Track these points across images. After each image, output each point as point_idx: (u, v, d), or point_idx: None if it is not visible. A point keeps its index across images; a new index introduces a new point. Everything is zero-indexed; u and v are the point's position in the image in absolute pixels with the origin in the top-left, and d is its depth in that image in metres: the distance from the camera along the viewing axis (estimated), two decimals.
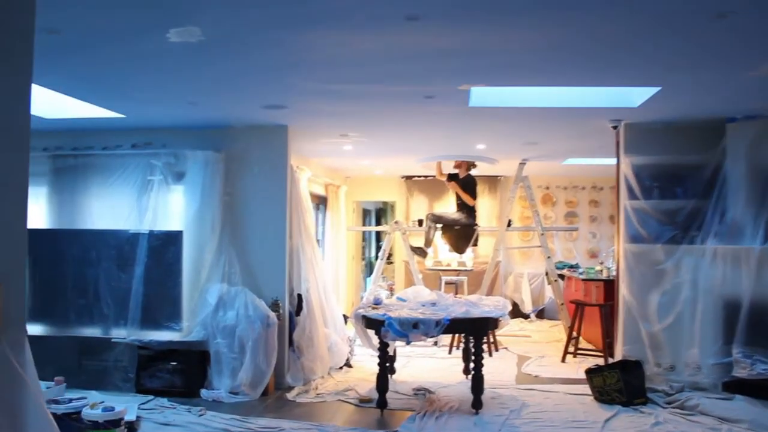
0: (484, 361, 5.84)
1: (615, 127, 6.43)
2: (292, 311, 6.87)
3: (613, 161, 9.58)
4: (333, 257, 10.42)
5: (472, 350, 5.90)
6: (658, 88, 5.07)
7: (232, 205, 6.77)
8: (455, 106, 5.64)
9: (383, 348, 5.77)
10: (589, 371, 6.13)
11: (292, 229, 6.99)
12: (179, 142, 6.78)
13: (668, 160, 6.28)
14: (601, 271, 9.00)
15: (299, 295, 6.93)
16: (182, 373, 6.37)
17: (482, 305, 6.25)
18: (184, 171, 6.71)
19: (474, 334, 5.82)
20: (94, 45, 4.07)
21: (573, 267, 10.45)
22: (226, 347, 6.28)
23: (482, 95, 5.48)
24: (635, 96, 5.59)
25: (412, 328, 5.48)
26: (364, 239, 15.39)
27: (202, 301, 6.46)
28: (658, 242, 6.20)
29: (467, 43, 3.91)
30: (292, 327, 6.86)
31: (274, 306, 6.55)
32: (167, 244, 6.55)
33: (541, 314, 11.93)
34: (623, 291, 6.37)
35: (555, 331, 10.52)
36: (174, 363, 6.38)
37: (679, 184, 6.27)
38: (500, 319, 5.95)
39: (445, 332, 5.63)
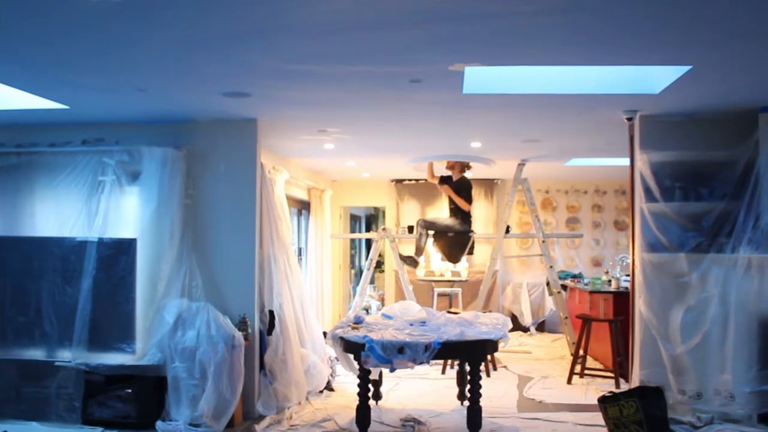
0: (481, 383, 5.05)
1: (630, 119, 5.63)
2: (263, 330, 6.06)
3: (619, 162, 8.89)
4: (317, 267, 9.62)
5: (468, 375, 5.11)
6: (683, 72, 4.27)
7: (195, 208, 5.95)
8: (446, 92, 4.84)
9: (364, 376, 4.96)
10: (603, 400, 5.31)
11: (263, 236, 6.18)
12: (135, 138, 5.96)
13: (691, 156, 5.49)
14: (609, 281, 8.21)
15: (271, 312, 6.11)
16: (135, 401, 5.55)
17: (479, 324, 5.44)
18: (139, 170, 5.88)
19: (470, 359, 5.01)
20: None
21: (576, 277, 9.66)
22: (186, 372, 5.46)
23: (477, 80, 4.69)
24: (655, 81, 4.80)
25: (398, 353, 4.68)
26: (353, 247, 14.63)
27: (159, 319, 5.63)
28: (681, 251, 5.40)
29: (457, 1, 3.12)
30: (263, 348, 6.04)
31: (242, 324, 5.74)
32: (119, 253, 5.75)
33: (541, 327, 11.14)
34: (640, 306, 5.55)
35: (557, 346, 9.73)
36: (126, 390, 5.58)
37: (704, 184, 5.46)
38: (500, 340, 5.14)
39: (436, 357, 4.82)
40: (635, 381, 5.66)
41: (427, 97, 5.03)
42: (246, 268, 5.92)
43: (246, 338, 5.69)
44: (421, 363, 4.74)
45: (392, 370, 4.87)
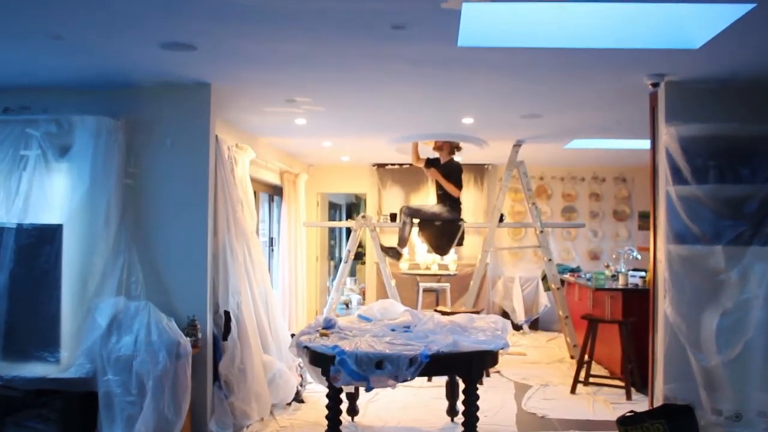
0: (478, 404, 4.15)
1: (655, 85, 4.73)
2: (218, 334, 5.12)
3: (621, 145, 8.03)
4: (290, 259, 8.68)
5: (461, 391, 4.21)
6: (739, 16, 3.37)
7: (136, 190, 5.00)
8: (437, 45, 3.91)
9: (334, 395, 4.03)
10: (623, 421, 4.42)
11: (218, 223, 5.24)
12: (66, 106, 4.99)
13: (729, 129, 4.56)
14: (614, 277, 7.34)
15: (227, 313, 5.17)
16: (60, 421, 4.61)
17: (474, 330, 4.54)
18: (69, 143, 4.92)
19: (465, 375, 4.09)
20: None
21: (574, 271, 8.80)
22: (120, 386, 4.49)
23: (475, 29, 3.77)
24: (695, 34, 3.89)
25: (375, 369, 3.76)
26: (332, 237, 13.72)
27: (89, 323, 4.67)
28: (716, 243, 4.47)
29: None
30: (217, 356, 5.11)
31: (191, 328, 4.81)
32: (41, 242, 4.76)
33: (534, 325, 10.28)
34: (666, 308, 4.66)
35: (554, 347, 8.87)
36: (48, 408, 4.62)
37: (745, 163, 4.55)
38: (500, 351, 4.23)
39: (423, 373, 3.90)
40: (658, 397, 4.78)
41: (413, 53, 4.10)
42: (197, 261, 4.99)
43: (195, 345, 4.77)
44: (404, 380, 3.82)
45: (369, 389, 3.95)
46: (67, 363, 4.68)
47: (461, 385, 4.36)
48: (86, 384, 4.57)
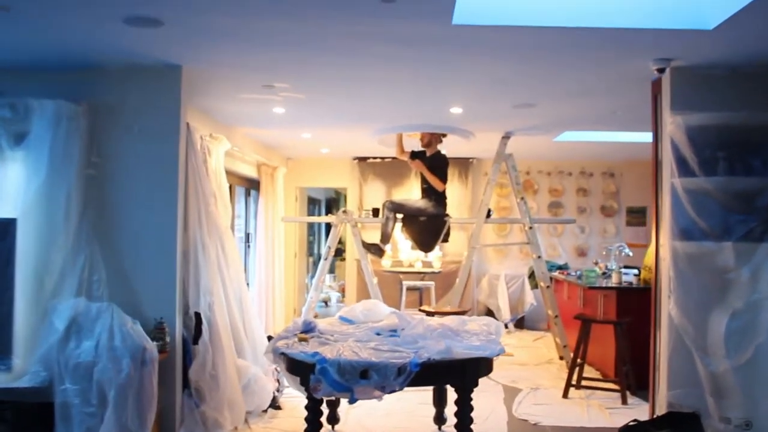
0: (472, 417, 3.81)
1: (661, 71, 4.41)
2: (188, 338, 4.74)
3: (610, 138, 7.75)
4: (267, 255, 8.30)
5: (454, 402, 3.87)
6: None
7: (99, 181, 4.59)
8: (430, 22, 3.56)
9: (313, 407, 3.67)
10: (626, 430, 4.12)
11: (188, 217, 4.86)
12: (22, 89, 4.56)
13: (740, 119, 4.25)
14: (607, 275, 7.07)
15: (197, 315, 4.79)
16: None
17: (466, 334, 4.19)
18: (26, 130, 4.50)
19: (459, 384, 3.74)
20: None
21: (563, 268, 8.52)
22: (79, 396, 4.11)
23: (474, 4, 3.45)
24: (710, 13, 3.58)
25: (360, 379, 3.40)
26: (311, 233, 13.35)
27: (46, 326, 4.26)
28: (726, 239, 4.17)
29: None
30: (187, 361, 4.72)
31: (158, 331, 4.43)
32: None
33: (520, 324, 9.96)
34: (671, 309, 4.34)
35: (542, 347, 8.58)
36: None
37: (756, 154, 4.24)
38: (496, 357, 3.89)
39: (413, 384, 3.54)
40: (661, 404, 4.47)
41: (403, 31, 3.74)
42: (165, 259, 4.60)
43: (163, 349, 4.39)
44: (392, 391, 3.47)
45: (352, 401, 3.58)
46: (20, 371, 4.26)
47: (450, 391, 4.03)
48: (41, 394, 4.16)
